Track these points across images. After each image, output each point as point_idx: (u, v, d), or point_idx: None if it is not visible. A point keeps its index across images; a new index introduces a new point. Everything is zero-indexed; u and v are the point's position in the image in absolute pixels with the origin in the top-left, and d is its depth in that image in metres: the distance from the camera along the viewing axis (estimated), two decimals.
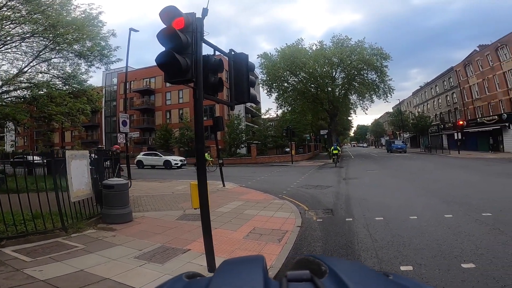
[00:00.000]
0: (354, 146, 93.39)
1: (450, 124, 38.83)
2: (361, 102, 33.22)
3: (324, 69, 30.90)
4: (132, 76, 38.46)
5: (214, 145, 19.82)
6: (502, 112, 29.55)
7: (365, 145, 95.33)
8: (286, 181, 13.69)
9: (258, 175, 17.11)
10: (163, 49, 3.18)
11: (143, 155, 27.68)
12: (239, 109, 32.45)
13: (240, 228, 5.76)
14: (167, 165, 25.12)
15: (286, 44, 31.64)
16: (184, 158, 26.55)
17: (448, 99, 42.81)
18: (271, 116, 35.94)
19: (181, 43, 3.09)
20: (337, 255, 4.19)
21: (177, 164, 25.20)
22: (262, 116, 36.36)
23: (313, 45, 32.85)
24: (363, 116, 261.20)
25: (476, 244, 4.15)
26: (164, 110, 40.98)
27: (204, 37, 3.31)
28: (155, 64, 3.18)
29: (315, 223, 6.01)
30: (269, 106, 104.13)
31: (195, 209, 5.48)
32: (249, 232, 5.42)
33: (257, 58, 32.30)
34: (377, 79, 30.59)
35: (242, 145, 32.73)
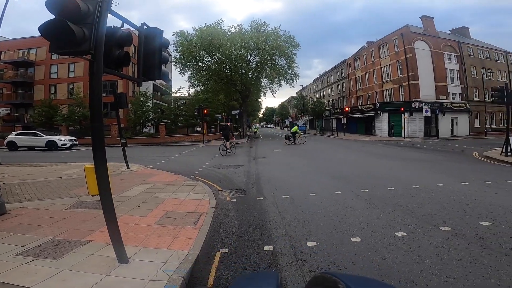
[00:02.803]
0: (263, 126, 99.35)
1: (338, 110, 45.53)
2: (270, 85, 35.49)
3: (240, 52, 31.51)
4: (3, 46, 32.74)
5: (115, 124, 17.63)
6: (376, 101, 36.52)
7: (272, 126, 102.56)
8: (198, 161, 13.49)
9: (168, 155, 16.28)
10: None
11: (17, 134, 22.34)
12: (147, 86, 30.36)
13: (150, 213, 5.37)
14: (52, 146, 21.02)
15: (205, 24, 30.96)
16: (74, 138, 22.73)
17: (339, 88, 50.10)
18: (182, 95, 34.46)
19: (79, 12, 2.63)
20: (252, 234, 4.37)
21: (66, 144, 21.40)
22: (172, 95, 34.51)
23: (232, 27, 33.06)
24: (272, 99, 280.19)
25: (359, 218, 4.91)
26: (48, 84, 34.14)
27: (112, 7, 2.93)
28: (39, 34, 2.60)
29: (229, 204, 6.14)
30: (181, 84, 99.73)
31: (92, 195, 4.81)
32: (162, 217, 5.12)
33: (172, 35, 30.91)
34: (286, 65, 33.06)
35: (149, 124, 30.59)
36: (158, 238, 4.11)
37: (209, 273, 3.22)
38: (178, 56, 31.12)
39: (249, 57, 32.91)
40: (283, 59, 32.40)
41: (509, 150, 12.39)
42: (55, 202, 6.06)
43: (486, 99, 31.83)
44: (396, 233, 4.15)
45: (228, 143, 16.01)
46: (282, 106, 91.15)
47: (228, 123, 17.68)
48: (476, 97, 34.34)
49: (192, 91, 35.81)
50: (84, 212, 5.39)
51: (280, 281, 0.56)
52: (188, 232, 4.35)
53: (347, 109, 38.42)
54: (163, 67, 3.63)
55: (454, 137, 31.22)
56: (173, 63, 32.19)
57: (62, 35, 2.59)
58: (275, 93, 36.44)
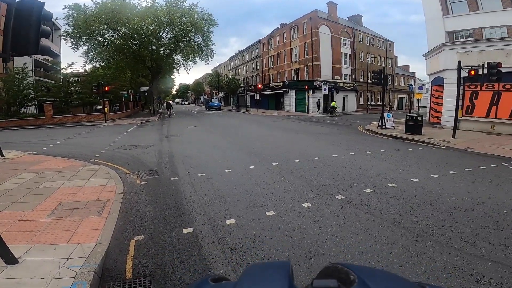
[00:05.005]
0: (178, 103, 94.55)
1: (252, 87, 47.11)
2: (185, 62, 33.98)
3: (151, 27, 28.90)
4: None
5: None
6: (285, 79, 39.21)
7: (186, 102, 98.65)
8: (99, 143, 11.92)
9: (58, 138, 13.81)
10: None
11: None
12: (25, 61, 25.08)
13: (38, 206, 4.52)
14: None
15: None
16: None
17: (253, 66, 51.46)
18: (76, 71, 29.32)
19: None
20: (169, 217, 4.19)
21: None
22: (62, 71, 29.10)
23: (143, 1, 29.72)
24: (186, 76, 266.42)
25: (272, 192, 5.20)
26: None
27: None
28: None
29: (140, 187, 5.69)
30: (75, 60, 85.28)
31: None
32: (55, 209, 4.37)
33: (64, 9, 25.96)
34: (202, 43, 32.09)
35: (30, 104, 25.34)
36: (53, 233, 3.54)
37: (126, 264, 2.99)
38: (71, 30, 26.68)
39: (161, 33, 30.55)
40: (199, 36, 31.39)
41: (383, 124, 15.38)
42: None
43: (368, 80, 38.04)
44: (303, 204, 4.60)
45: (171, 110, 30.47)
46: (197, 83, 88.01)
47: (170, 101, 30.33)
48: (361, 78, 40.59)
49: (89, 67, 31.23)
50: None
51: (292, 271, 0.55)
52: (92, 223, 3.86)
53: (260, 86, 40.12)
54: (45, 42, 3.08)
55: (345, 112, 36.58)
56: (63, 37, 27.63)
57: None
58: (189, 70, 36.00)
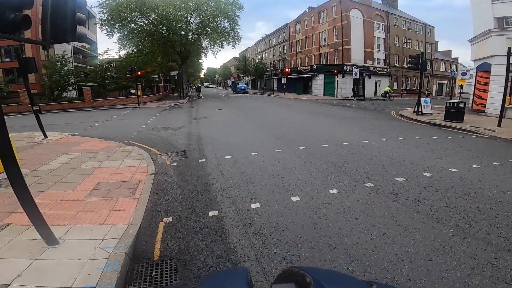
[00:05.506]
0: (206, 87, 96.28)
1: (279, 71, 46.34)
2: (212, 47, 34.32)
3: (179, 13, 29.48)
4: None
5: (24, 90, 15.13)
6: (314, 63, 38.02)
7: (214, 86, 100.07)
8: (132, 125, 12.49)
9: (96, 120, 14.66)
10: None
11: None
12: (64, 49, 26.65)
13: (78, 186, 4.85)
14: None
15: None
16: None
17: (280, 50, 50.47)
18: (111, 57, 30.93)
19: None
20: (196, 199, 4.30)
21: None
22: (99, 57, 30.79)
23: None
24: (213, 60, 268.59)
25: (298, 177, 5.13)
26: None
27: None
28: None
29: (170, 168, 5.90)
30: (110, 46, 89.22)
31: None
32: (93, 189, 4.67)
33: None
34: (228, 27, 32.16)
35: (70, 88, 27.21)
36: (91, 214, 3.77)
37: (154, 245, 3.10)
38: (105, 18, 27.89)
39: (189, 18, 31.00)
40: (226, 20, 31.43)
41: (420, 110, 14.43)
42: None
43: (404, 65, 35.68)
44: (330, 190, 4.48)
45: (199, 93, 34.94)
46: (224, 67, 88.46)
47: (199, 84, 35.60)
48: (396, 63, 38.19)
49: (123, 53, 32.72)
50: None
51: (250, 277, 0.57)
52: (125, 204, 4.08)
53: (287, 70, 39.48)
54: (81, 29, 3.18)
55: (377, 97, 34.88)
56: (98, 25, 28.91)
57: None
58: (216, 54, 36.31)
